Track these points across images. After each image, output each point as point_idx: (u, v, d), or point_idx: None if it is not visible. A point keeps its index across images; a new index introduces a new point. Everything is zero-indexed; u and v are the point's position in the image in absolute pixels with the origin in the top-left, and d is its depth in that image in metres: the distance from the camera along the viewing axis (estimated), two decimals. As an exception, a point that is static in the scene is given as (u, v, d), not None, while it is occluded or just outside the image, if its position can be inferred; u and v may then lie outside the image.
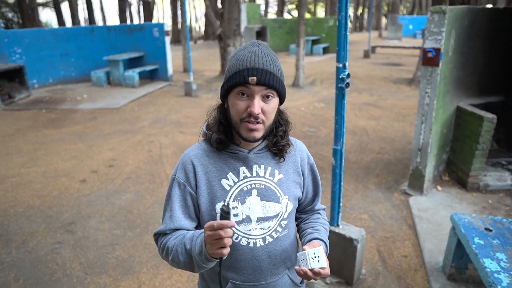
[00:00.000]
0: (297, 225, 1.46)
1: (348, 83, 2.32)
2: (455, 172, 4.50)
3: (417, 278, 2.94)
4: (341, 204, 2.72)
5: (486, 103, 4.62)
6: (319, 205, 1.46)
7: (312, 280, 1.15)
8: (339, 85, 2.33)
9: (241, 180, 1.22)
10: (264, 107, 1.12)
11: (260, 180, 1.24)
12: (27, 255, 3.29)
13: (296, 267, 1.11)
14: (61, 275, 3.03)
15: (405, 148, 5.71)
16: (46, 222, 3.81)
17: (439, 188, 4.35)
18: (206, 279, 1.35)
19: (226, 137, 1.21)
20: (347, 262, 2.78)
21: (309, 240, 1.27)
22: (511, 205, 3.94)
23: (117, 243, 3.46)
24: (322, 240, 1.28)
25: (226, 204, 0.98)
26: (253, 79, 1.08)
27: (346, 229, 2.78)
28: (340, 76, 2.30)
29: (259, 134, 1.15)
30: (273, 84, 1.10)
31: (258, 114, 1.10)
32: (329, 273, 1.12)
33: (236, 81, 1.10)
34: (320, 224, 1.38)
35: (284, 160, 1.28)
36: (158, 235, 1.26)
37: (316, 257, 1.08)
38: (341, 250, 2.76)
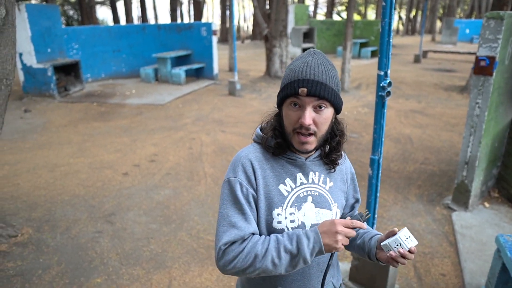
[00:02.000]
0: None
1: (389, 92, 2.24)
2: (506, 189, 4.20)
3: (455, 299, 2.78)
4: (376, 216, 2.63)
5: (546, 116, 4.28)
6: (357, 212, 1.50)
7: None
8: (380, 93, 2.25)
9: (298, 186, 1.23)
10: (316, 118, 1.12)
11: (315, 187, 1.25)
12: (69, 241, 3.48)
13: (392, 252, 1.13)
14: (99, 263, 3.18)
15: (451, 159, 5.42)
16: (89, 211, 4.01)
17: (486, 204, 4.09)
18: None
19: (284, 142, 1.21)
20: (379, 275, 2.68)
21: (371, 237, 1.29)
22: None
23: (152, 237, 3.57)
24: (380, 234, 1.30)
25: (367, 212, 1.14)
26: (303, 90, 1.08)
27: (380, 241, 2.68)
28: (381, 84, 2.22)
29: (311, 146, 1.16)
30: (324, 95, 1.09)
31: (309, 125, 1.10)
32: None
33: (287, 92, 1.12)
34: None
35: (334, 170, 1.31)
36: (231, 244, 1.12)
37: (408, 237, 1.12)
38: (373, 263, 2.66)
